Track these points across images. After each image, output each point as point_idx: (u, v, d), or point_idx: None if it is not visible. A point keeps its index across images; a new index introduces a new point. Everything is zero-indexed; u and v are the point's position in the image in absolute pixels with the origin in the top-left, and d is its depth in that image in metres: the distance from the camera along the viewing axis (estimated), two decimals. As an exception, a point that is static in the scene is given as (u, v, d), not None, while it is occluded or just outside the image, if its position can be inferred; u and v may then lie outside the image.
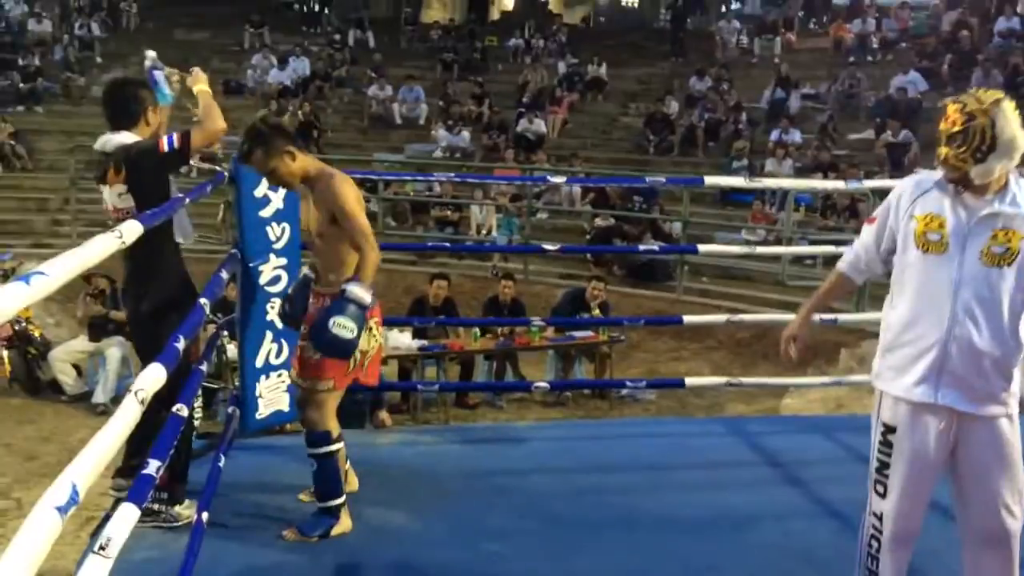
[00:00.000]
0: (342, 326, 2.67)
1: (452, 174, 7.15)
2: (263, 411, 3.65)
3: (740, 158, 12.87)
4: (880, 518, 2.43)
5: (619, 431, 4.49)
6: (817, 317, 4.83)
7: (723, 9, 21.88)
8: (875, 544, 2.45)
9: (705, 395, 7.49)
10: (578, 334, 7.82)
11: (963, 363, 2.29)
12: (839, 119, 13.77)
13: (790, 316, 5.28)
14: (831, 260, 11.00)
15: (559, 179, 5.23)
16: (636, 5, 26.62)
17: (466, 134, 14.50)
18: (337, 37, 18.14)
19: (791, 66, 15.20)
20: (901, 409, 2.38)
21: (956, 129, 2.28)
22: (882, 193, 10.10)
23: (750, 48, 17.18)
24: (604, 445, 4.17)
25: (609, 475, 3.74)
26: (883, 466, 2.42)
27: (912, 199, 2.40)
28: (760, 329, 8.57)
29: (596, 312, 7.80)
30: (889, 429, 2.40)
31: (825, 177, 10.71)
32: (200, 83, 3.13)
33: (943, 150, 2.32)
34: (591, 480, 3.68)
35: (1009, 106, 2.28)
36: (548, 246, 4.64)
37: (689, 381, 4.44)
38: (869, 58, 15.53)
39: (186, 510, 3.01)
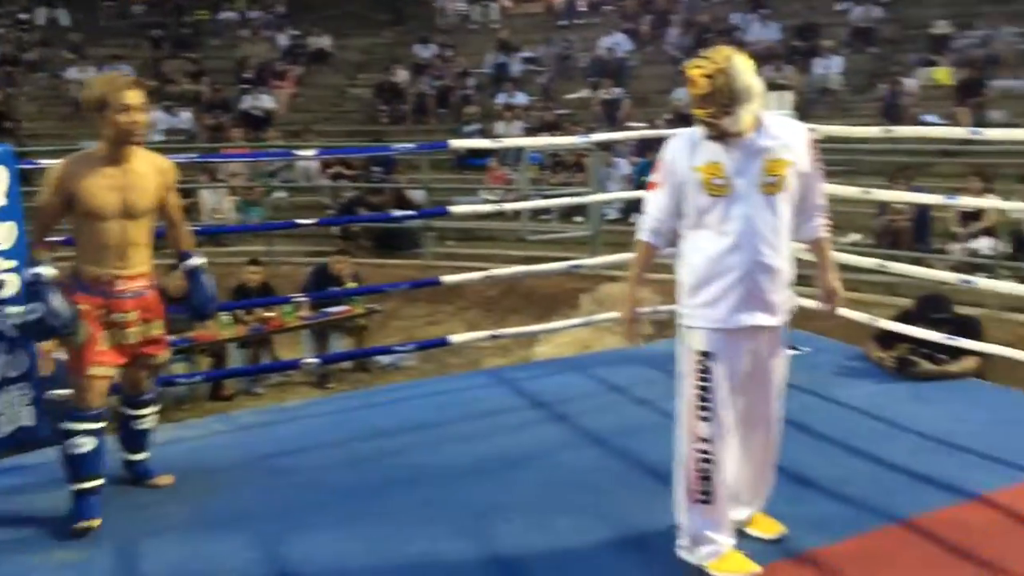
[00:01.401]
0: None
1: (194, 155, 6.67)
2: (3, 429, 3.34)
3: (472, 123, 13.25)
4: (710, 440, 2.62)
5: (388, 397, 4.55)
6: (564, 264, 5.20)
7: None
8: (707, 466, 2.63)
9: (463, 353, 7.74)
10: (333, 309, 7.76)
11: (764, 284, 2.60)
12: (557, 80, 14.55)
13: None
14: (566, 213, 11.63)
15: (308, 153, 5.11)
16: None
17: (186, 115, 13.72)
18: (24, 16, 16.33)
19: (509, 31, 15.80)
20: (717, 337, 2.61)
21: (703, 91, 2.54)
22: (605, 146, 10.71)
23: (468, 14, 17.61)
24: (376, 412, 4.23)
25: (385, 439, 3.81)
26: (706, 391, 2.62)
27: (688, 153, 2.63)
28: (507, 285, 8.98)
29: (351, 285, 7.78)
30: (708, 356, 2.61)
31: (551, 136, 11.31)
32: None
33: (697, 111, 2.57)
34: (368, 447, 3.73)
35: (739, 59, 2.55)
36: (304, 220, 4.56)
37: (453, 339, 4.59)
38: (578, 21, 16.49)
39: None
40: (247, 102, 14.06)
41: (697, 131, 2.64)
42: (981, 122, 10.16)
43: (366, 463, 3.56)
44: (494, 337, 4.67)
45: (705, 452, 2.63)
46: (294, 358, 6.88)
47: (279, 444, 3.81)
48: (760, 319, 2.62)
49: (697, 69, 2.56)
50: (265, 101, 14.13)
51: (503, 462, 3.52)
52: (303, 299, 6.18)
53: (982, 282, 4.38)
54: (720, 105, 2.52)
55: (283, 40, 16.38)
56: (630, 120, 12.56)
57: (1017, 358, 3.92)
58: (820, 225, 2.79)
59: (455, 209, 4.90)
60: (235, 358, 7.68)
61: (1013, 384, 4.80)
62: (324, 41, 16.21)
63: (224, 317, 7.27)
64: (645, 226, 2.75)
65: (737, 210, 2.56)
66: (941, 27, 12.84)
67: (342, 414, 4.25)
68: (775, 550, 2.76)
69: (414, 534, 2.96)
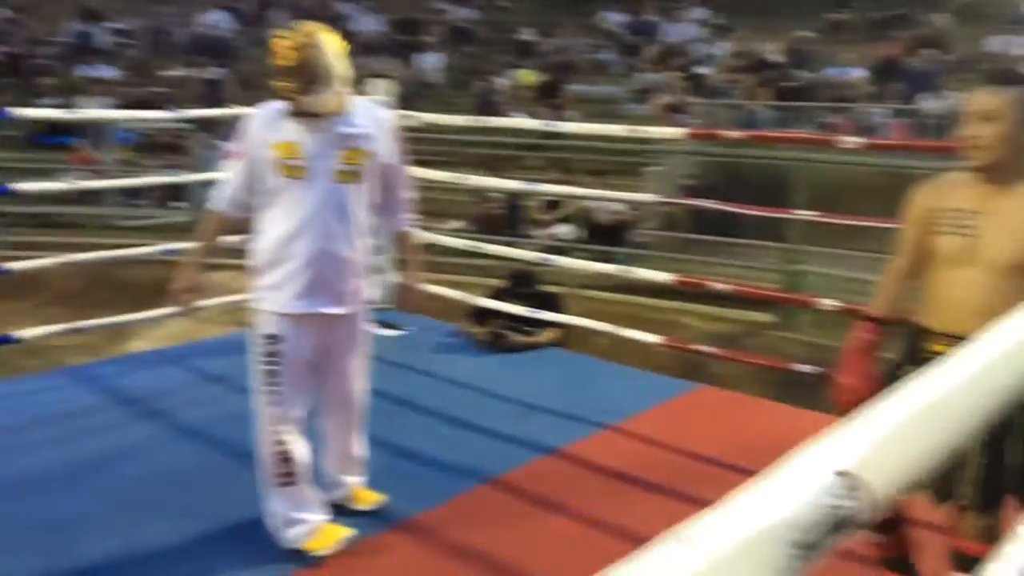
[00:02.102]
0: None
1: None
2: None
3: (49, 96, 11.77)
4: (281, 421, 2.58)
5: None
6: (156, 249, 4.81)
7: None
8: (282, 448, 2.59)
9: (40, 353, 6.85)
10: None
11: (331, 272, 2.55)
12: (152, 56, 13.50)
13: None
14: (165, 197, 10.83)
15: None
16: None
17: None
18: None
19: (93, -2, 14.33)
20: (283, 321, 2.54)
21: (286, 63, 2.42)
22: (206, 124, 10.11)
23: (43, -25, 15.63)
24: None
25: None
26: (274, 374, 2.56)
27: (266, 129, 2.50)
28: (95, 276, 8.15)
29: None
30: (275, 339, 2.54)
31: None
32: None
33: (278, 83, 2.45)
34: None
35: (326, 38, 2.47)
36: None
37: (22, 334, 4.02)
38: (174, -6, 15.44)
39: None
40: None
41: (280, 107, 2.53)
42: (559, 121, 11.36)
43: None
44: (76, 331, 4.18)
45: (279, 434, 2.60)
46: None
47: None
48: (326, 307, 2.59)
49: (283, 40, 2.46)
50: None
51: (88, 468, 3.16)
52: None
53: (561, 261, 4.88)
54: (304, 81, 2.43)
55: None
56: (234, 102, 12.05)
57: (590, 327, 4.41)
58: (405, 219, 2.82)
59: (20, 187, 4.27)
60: None
61: (586, 350, 5.44)
62: None
63: None
64: (219, 195, 2.62)
65: (309, 195, 2.50)
66: (527, 33, 14.09)
67: None
68: (376, 521, 2.81)
69: (-33, 561, 2.54)
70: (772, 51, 12.24)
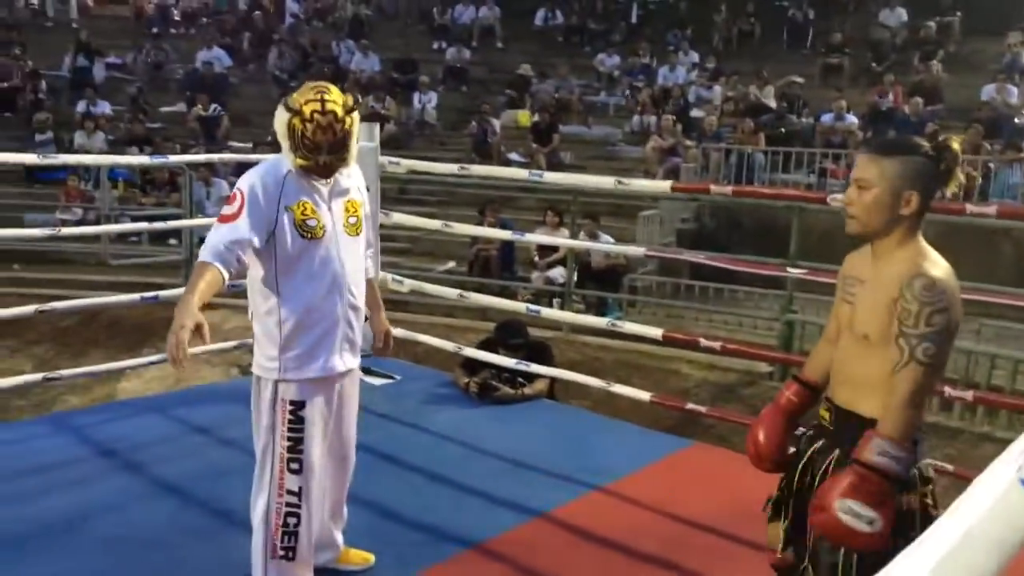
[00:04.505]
0: None
1: None
2: None
3: (44, 131, 11.78)
4: (298, 494, 2.50)
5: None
6: (134, 297, 4.74)
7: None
8: (294, 520, 2.51)
9: (30, 395, 6.76)
10: None
11: (354, 327, 2.58)
12: (149, 91, 13.54)
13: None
14: (156, 237, 10.78)
15: None
16: None
17: None
18: None
19: (91, 33, 14.39)
20: (312, 386, 2.50)
21: (332, 138, 2.38)
22: (200, 167, 10.01)
23: (43, 9, 15.74)
24: None
25: None
26: (297, 443, 2.48)
27: (278, 190, 2.42)
28: (87, 315, 8.06)
29: None
30: (299, 405, 2.48)
31: (141, 151, 10.46)
32: None
33: (323, 158, 2.39)
34: None
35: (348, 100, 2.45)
36: None
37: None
38: (172, 30, 15.55)
39: None
40: None
41: (283, 164, 2.46)
42: (553, 162, 11.36)
43: None
44: (50, 380, 4.08)
45: (293, 507, 2.51)
46: None
47: None
48: (350, 361, 2.60)
49: (328, 110, 2.36)
50: None
51: (58, 526, 3.06)
52: None
53: (547, 312, 4.83)
54: (343, 151, 2.43)
55: None
56: (229, 139, 12.08)
57: (576, 380, 4.32)
58: (372, 266, 2.83)
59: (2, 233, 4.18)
60: None
61: (576, 399, 5.36)
62: None
63: None
64: (215, 252, 2.34)
65: (329, 253, 2.48)
66: (524, 70, 14.12)
67: None
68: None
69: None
70: (765, 95, 12.30)
